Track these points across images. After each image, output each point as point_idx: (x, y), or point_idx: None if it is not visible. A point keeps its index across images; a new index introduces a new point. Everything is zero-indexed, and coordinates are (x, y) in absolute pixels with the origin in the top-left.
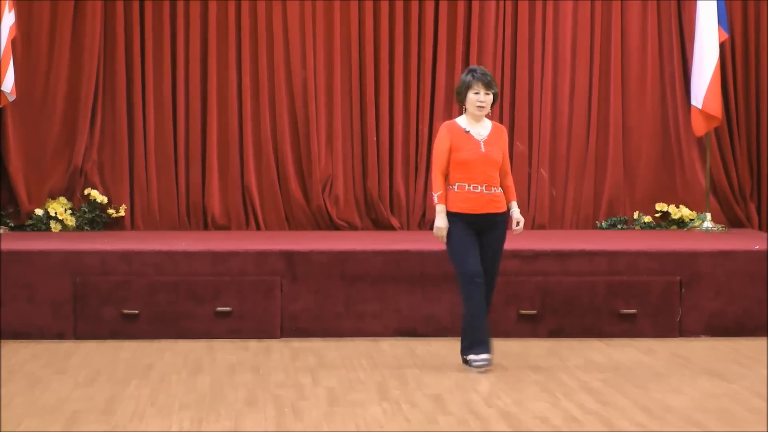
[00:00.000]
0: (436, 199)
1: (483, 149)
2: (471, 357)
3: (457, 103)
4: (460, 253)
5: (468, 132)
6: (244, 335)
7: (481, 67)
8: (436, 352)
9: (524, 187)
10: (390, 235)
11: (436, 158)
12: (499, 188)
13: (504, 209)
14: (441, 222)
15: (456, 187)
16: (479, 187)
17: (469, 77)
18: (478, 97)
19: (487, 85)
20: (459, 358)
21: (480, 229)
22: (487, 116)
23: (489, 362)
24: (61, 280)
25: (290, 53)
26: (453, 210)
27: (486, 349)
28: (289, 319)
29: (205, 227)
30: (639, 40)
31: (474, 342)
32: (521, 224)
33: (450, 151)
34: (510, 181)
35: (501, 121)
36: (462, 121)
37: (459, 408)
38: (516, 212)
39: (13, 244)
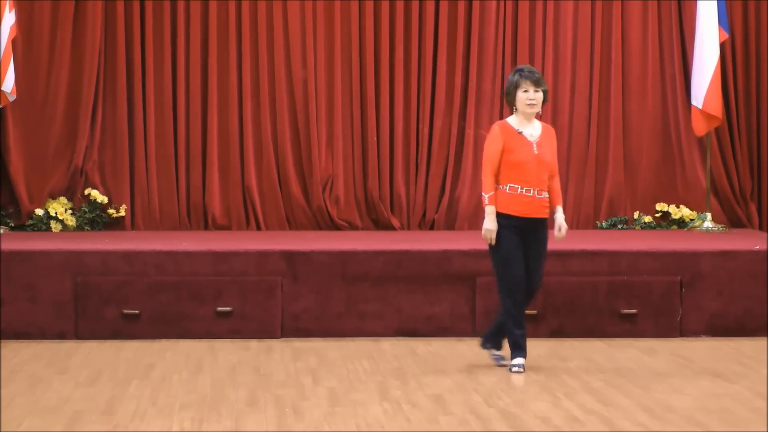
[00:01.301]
0: (486, 200)
1: (536, 151)
2: (511, 362)
3: (507, 105)
4: (507, 258)
5: (521, 133)
6: (245, 335)
7: (528, 65)
8: (437, 352)
9: None
10: (391, 235)
11: (488, 158)
12: (547, 192)
13: (548, 214)
14: (490, 224)
15: (508, 188)
16: (531, 191)
17: (516, 76)
18: (528, 95)
19: (536, 83)
20: (459, 359)
21: (524, 232)
22: (537, 116)
23: (523, 366)
24: (62, 280)
25: (290, 53)
26: (503, 211)
27: (523, 353)
28: (290, 319)
29: (206, 227)
30: (639, 40)
31: (513, 345)
32: (563, 230)
33: (502, 151)
34: (557, 183)
35: None
36: (513, 121)
37: (460, 408)
38: (561, 217)
39: (13, 244)
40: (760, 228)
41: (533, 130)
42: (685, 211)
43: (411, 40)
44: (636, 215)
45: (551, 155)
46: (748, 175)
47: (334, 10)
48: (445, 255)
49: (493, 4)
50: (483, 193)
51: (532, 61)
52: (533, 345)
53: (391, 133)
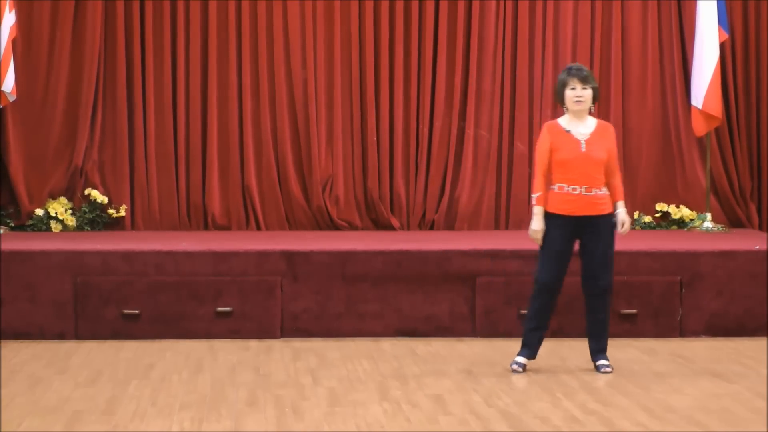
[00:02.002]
0: (533, 201)
1: (584, 148)
2: (514, 358)
3: (558, 104)
4: (543, 258)
5: (568, 131)
6: (244, 335)
7: (577, 63)
8: (437, 352)
9: (525, 187)
10: (390, 235)
11: (537, 159)
12: (603, 189)
13: (608, 211)
14: (536, 224)
15: (556, 188)
16: (578, 189)
17: (564, 75)
18: (575, 93)
19: (584, 80)
20: (459, 359)
21: (579, 232)
22: (591, 114)
23: (524, 367)
24: (62, 280)
25: (290, 53)
26: (552, 211)
27: (529, 353)
28: (290, 319)
29: (206, 227)
30: (639, 40)
31: (523, 343)
32: (626, 226)
33: (550, 151)
34: (617, 180)
35: (501, 121)
36: (564, 120)
37: (460, 408)
38: (621, 213)
39: (13, 244)
40: (760, 228)
41: (584, 128)
42: (685, 211)
43: (411, 40)
44: (636, 215)
45: (605, 152)
46: (748, 175)
47: (334, 10)
48: (445, 255)
49: (493, 4)
50: (531, 194)
51: (531, 61)
52: None
53: (391, 133)
